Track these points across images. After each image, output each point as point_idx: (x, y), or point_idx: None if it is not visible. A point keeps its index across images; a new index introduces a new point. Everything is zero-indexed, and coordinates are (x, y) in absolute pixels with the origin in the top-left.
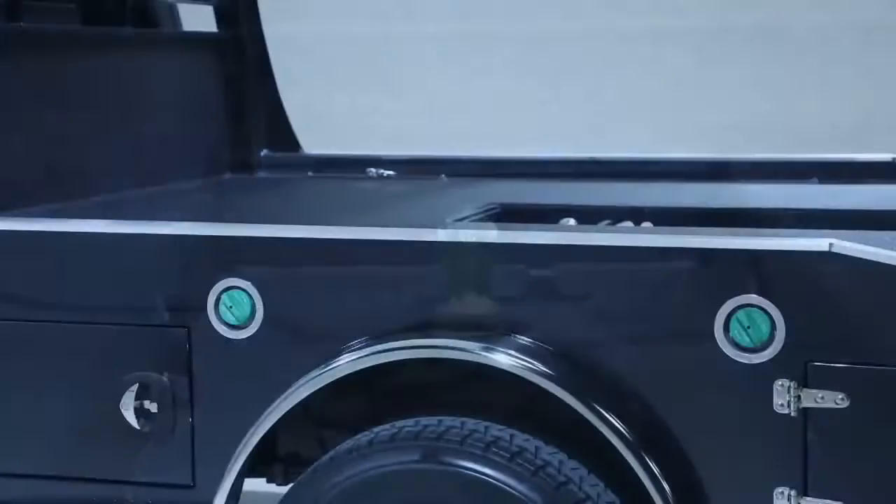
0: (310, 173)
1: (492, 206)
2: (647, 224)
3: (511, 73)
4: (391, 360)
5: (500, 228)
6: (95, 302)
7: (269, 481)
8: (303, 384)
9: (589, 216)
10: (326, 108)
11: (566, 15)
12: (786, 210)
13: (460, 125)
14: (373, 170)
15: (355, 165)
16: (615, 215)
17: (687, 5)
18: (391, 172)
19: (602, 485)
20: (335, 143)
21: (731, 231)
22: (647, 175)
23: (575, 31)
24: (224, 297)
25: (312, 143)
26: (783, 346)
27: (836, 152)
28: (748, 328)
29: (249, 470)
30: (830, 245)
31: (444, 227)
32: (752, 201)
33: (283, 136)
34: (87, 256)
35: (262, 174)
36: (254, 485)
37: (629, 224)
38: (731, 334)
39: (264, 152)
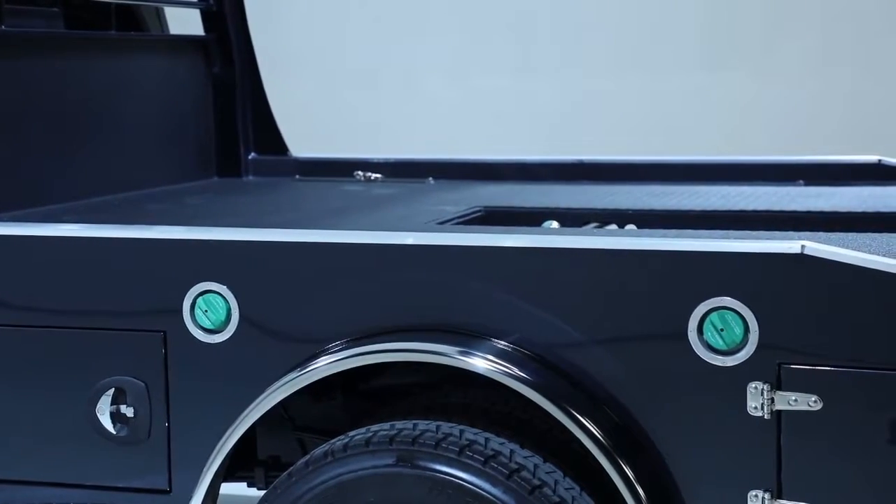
0: (297, 176)
1: (475, 209)
2: (630, 226)
3: (503, 73)
4: (367, 363)
5: (478, 231)
6: (71, 306)
7: (249, 485)
8: (278, 387)
9: (572, 219)
10: (316, 111)
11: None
12: (768, 212)
13: (450, 127)
14: (360, 173)
15: (343, 168)
16: (599, 218)
17: (683, 5)
18: (379, 175)
19: (578, 488)
20: (323, 146)
21: (705, 233)
22: (634, 177)
23: (569, 30)
24: (199, 301)
25: (300, 146)
26: (756, 349)
27: (823, 153)
28: (721, 331)
29: (230, 474)
30: (803, 247)
31: (423, 230)
32: (736, 203)
33: (271, 139)
34: (63, 260)
35: (249, 177)
36: (233, 489)
37: (614, 227)
38: (704, 337)
39: (252, 155)
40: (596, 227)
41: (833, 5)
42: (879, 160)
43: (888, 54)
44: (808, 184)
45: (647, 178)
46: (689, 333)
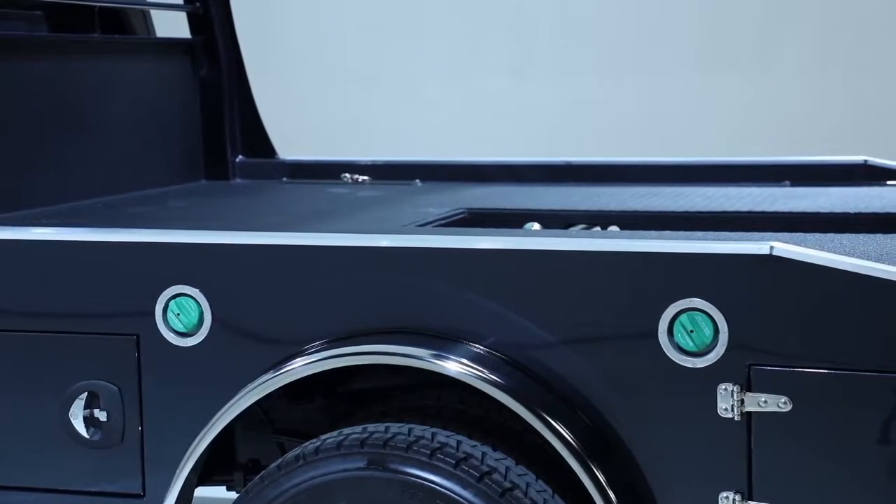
0: (285, 179)
1: (459, 211)
2: (613, 228)
3: (501, 75)
4: (338, 366)
5: (452, 234)
6: (43, 310)
7: (228, 489)
8: (250, 390)
9: (555, 220)
10: (312, 113)
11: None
12: (751, 213)
13: (448, 129)
14: (347, 175)
15: (330, 171)
16: (583, 219)
17: (680, 6)
18: (366, 178)
19: (549, 490)
20: (320, 148)
21: (675, 234)
22: (621, 179)
23: (566, 32)
24: (172, 304)
25: (297, 148)
26: (726, 350)
27: (810, 154)
28: (691, 332)
29: (209, 478)
30: (771, 248)
31: (399, 232)
32: (720, 204)
33: (259, 141)
34: (35, 264)
35: (237, 180)
36: (211, 492)
37: (597, 228)
38: (674, 338)
39: (239, 158)
40: (581, 230)
41: (828, 8)
42: (866, 160)
43: (882, 56)
44: (794, 184)
45: (633, 180)
46: (660, 335)
